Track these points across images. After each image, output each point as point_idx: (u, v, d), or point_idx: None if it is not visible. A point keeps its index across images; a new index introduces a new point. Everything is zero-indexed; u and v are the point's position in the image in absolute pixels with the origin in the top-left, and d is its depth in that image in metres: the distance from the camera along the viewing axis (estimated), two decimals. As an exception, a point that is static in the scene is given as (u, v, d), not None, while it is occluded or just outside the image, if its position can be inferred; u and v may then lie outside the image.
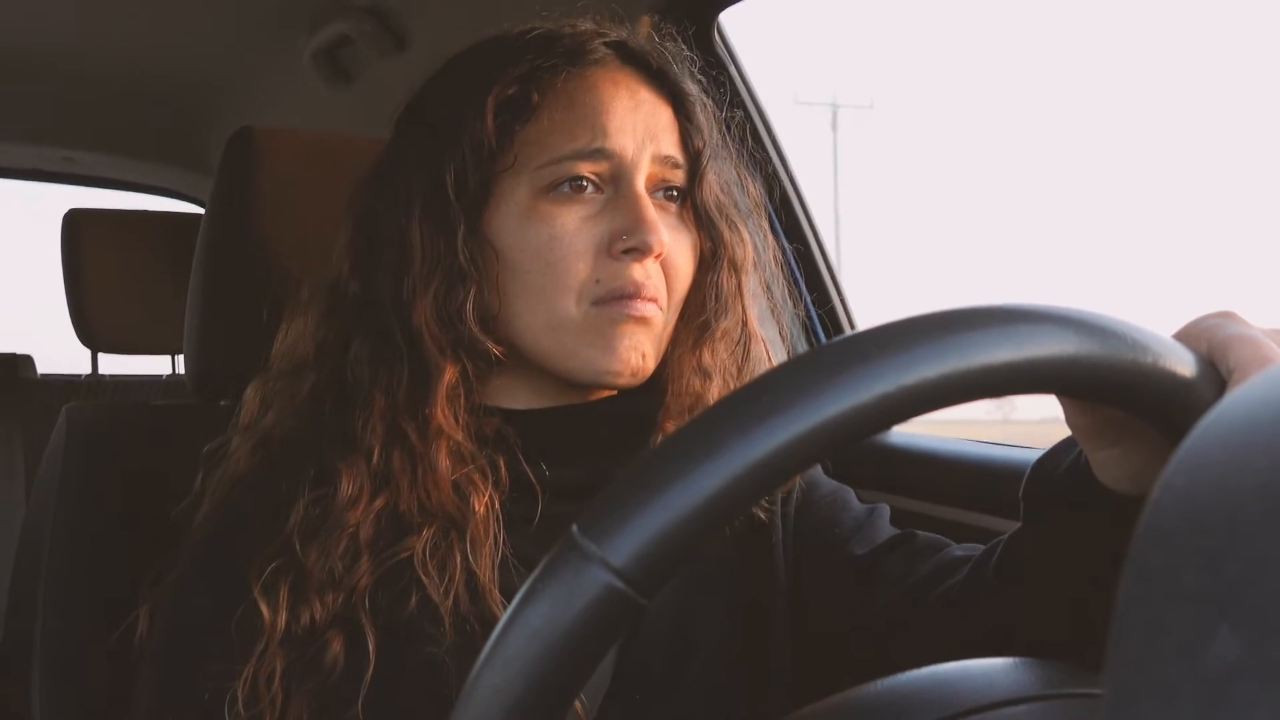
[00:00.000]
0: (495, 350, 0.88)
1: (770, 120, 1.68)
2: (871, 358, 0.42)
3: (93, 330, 2.49)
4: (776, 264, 1.06)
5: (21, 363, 2.64)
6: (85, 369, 2.67)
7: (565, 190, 0.87)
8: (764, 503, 0.96)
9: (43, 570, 1.09)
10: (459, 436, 0.86)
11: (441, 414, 0.86)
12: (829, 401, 0.42)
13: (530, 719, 0.41)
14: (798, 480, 0.99)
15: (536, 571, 0.42)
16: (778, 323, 1.10)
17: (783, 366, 0.44)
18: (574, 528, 0.42)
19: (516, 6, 0.97)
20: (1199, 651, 0.25)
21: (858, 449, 1.43)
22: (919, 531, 0.93)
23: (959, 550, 0.89)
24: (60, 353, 2.74)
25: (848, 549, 0.93)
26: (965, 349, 0.43)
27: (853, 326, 1.71)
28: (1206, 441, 0.30)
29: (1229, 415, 0.31)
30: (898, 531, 0.94)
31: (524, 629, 0.41)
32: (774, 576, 0.95)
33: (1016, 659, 0.52)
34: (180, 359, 2.61)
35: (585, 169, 0.87)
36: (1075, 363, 0.45)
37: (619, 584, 0.41)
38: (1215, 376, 0.51)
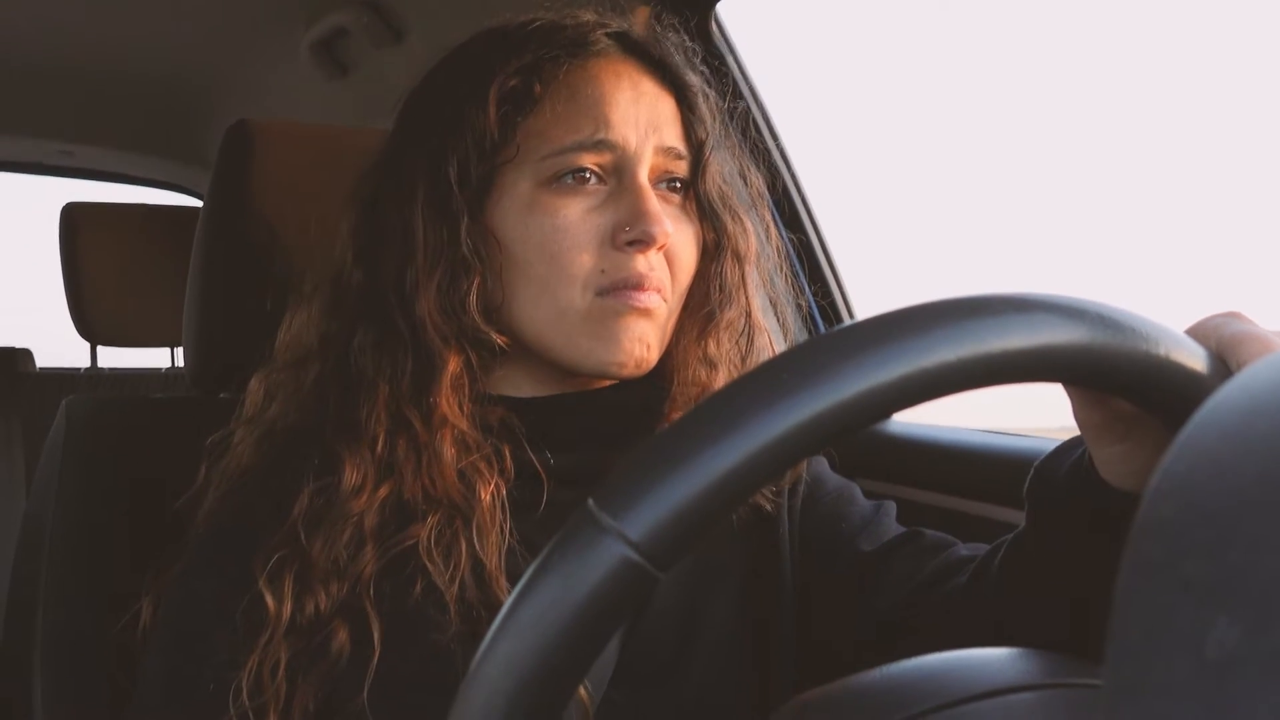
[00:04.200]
0: (499, 340, 0.88)
1: (769, 111, 1.68)
2: (891, 340, 0.43)
3: (91, 324, 2.49)
4: (779, 255, 1.06)
5: (20, 357, 2.64)
6: (84, 362, 2.67)
7: (568, 181, 0.87)
8: (770, 496, 0.96)
9: (43, 563, 1.09)
10: (463, 425, 0.86)
11: (446, 403, 0.86)
12: (848, 381, 0.42)
13: (543, 688, 0.41)
14: (804, 474, 0.99)
15: (552, 543, 0.42)
16: (779, 314, 1.10)
17: (802, 346, 0.44)
18: (590, 501, 0.42)
19: (512, -2, 0.96)
20: (1198, 640, 0.25)
21: (860, 438, 1.43)
22: (926, 530, 0.93)
23: (965, 549, 0.89)
24: (59, 346, 2.75)
25: (855, 545, 0.93)
26: (983, 334, 0.43)
27: (853, 318, 1.71)
28: (1206, 429, 0.30)
29: (1228, 403, 0.31)
30: (905, 529, 0.94)
31: (539, 599, 0.41)
32: (780, 569, 0.95)
33: (1018, 649, 0.52)
34: (179, 352, 2.62)
35: (588, 160, 0.87)
36: (1089, 352, 0.46)
37: (635, 556, 0.41)
38: (1224, 372, 0.52)
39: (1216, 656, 0.25)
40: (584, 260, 0.86)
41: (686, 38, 0.98)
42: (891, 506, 0.98)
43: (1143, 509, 0.29)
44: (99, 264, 2.44)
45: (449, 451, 0.85)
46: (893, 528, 0.95)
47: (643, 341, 0.88)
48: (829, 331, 0.45)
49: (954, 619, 0.84)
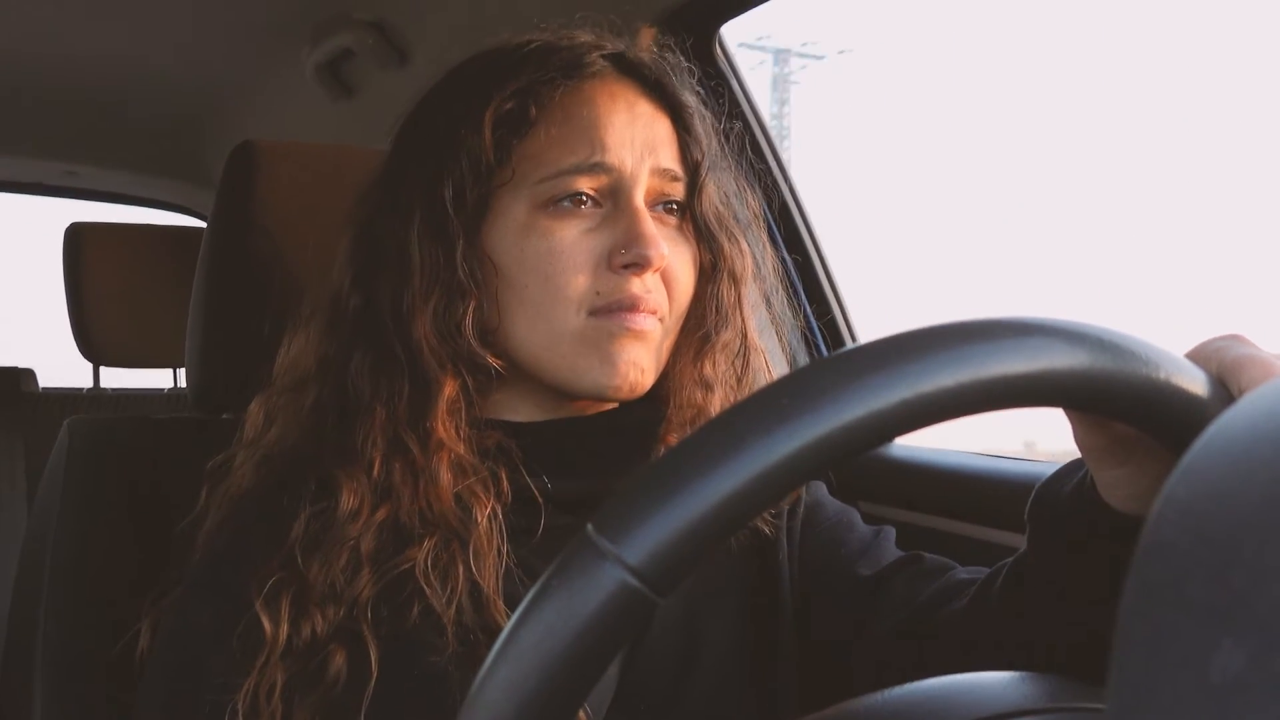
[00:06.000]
0: (495, 364, 0.88)
1: (770, 131, 1.69)
2: (890, 365, 0.43)
3: (94, 344, 2.49)
4: (776, 275, 1.06)
5: (24, 376, 2.64)
6: (87, 383, 2.67)
7: (565, 205, 0.87)
8: (769, 519, 0.96)
9: (44, 583, 1.09)
10: (460, 450, 0.86)
11: (442, 427, 0.86)
12: (847, 406, 0.42)
13: (543, 713, 0.41)
14: (803, 499, 0.99)
15: (551, 568, 0.42)
16: (778, 334, 1.10)
17: (802, 371, 0.44)
18: (589, 526, 0.42)
19: (518, 19, 0.97)
20: (1202, 664, 0.25)
21: (861, 461, 1.43)
22: (926, 554, 0.93)
23: (964, 573, 0.89)
24: (62, 366, 2.75)
25: (854, 570, 0.93)
26: (982, 359, 0.43)
27: (853, 337, 1.71)
28: (1209, 454, 0.30)
29: (1231, 428, 0.31)
30: (904, 554, 0.94)
31: (538, 624, 0.41)
32: (779, 593, 0.95)
33: (1021, 672, 0.52)
34: (182, 372, 2.62)
35: (584, 184, 0.87)
36: (1089, 377, 0.46)
37: (634, 582, 0.41)
38: (1226, 396, 0.52)
39: (1220, 680, 0.24)
40: (579, 282, 0.86)
41: (683, 58, 0.98)
42: (891, 532, 0.98)
43: (1146, 533, 0.29)
44: (102, 284, 2.44)
45: (445, 476, 0.85)
46: (892, 552, 0.95)
47: (637, 365, 0.87)
48: (828, 356, 0.45)
49: (954, 642, 0.83)
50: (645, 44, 0.98)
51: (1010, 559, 0.81)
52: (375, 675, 0.80)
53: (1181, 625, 0.26)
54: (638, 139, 0.89)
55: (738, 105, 1.64)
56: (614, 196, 0.88)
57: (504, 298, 0.88)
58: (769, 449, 0.41)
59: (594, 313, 0.86)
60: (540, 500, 0.87)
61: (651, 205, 0.90)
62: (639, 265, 0.86)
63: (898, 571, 0.92)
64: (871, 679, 0.88)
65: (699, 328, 0.93)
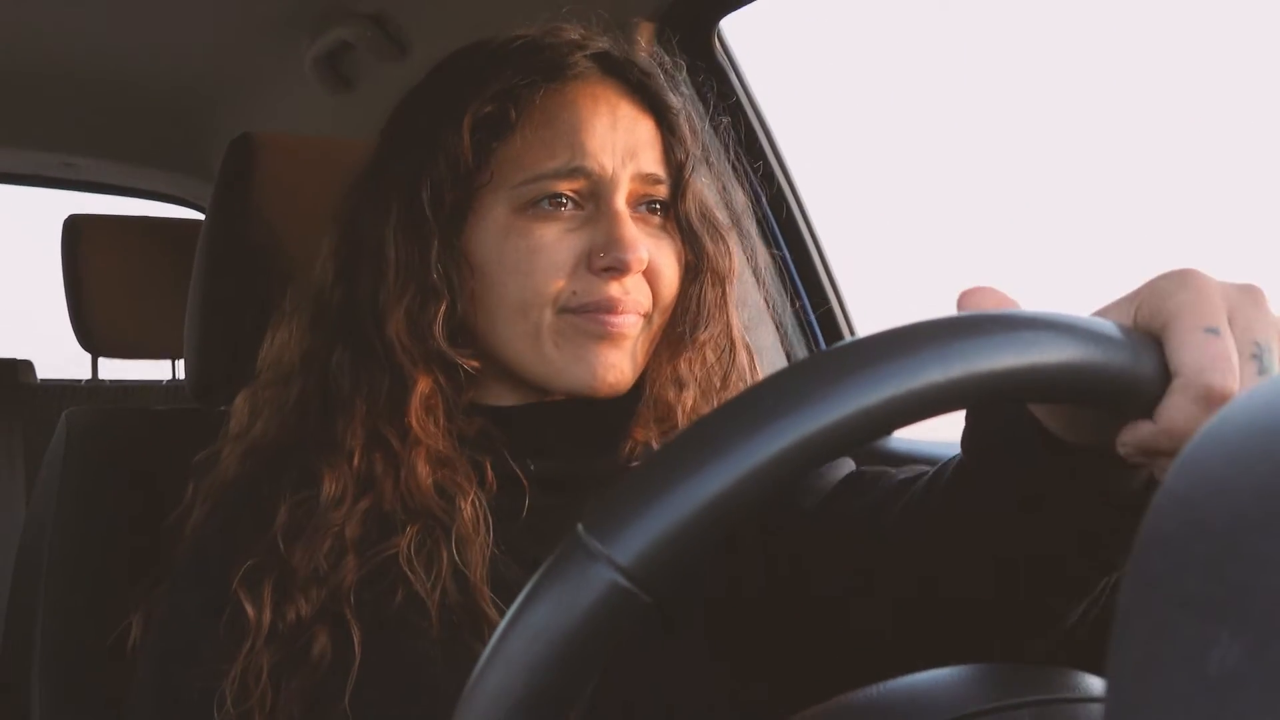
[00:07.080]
0: (467, 365, 0.88)
1: (770, 126, 1.69)
2: (878, 362, 0.43)
3: (93, 335, 2.49)
4: (775, 269, 1.06)
5: (22, 367, 2.64)
6: (86, 374, 2.67)
7: (545, 207, 0.88)
8: None
9: (43, 573, 1.09)
10: (438, 444, 0.87)
11: (417, 423, 0.86)
12: (834, 405, 0.42)
13: (535, 717, 0.41)
14: None
15: (541, 570, 0.42)
16: (776, 326, 1.10)
17: (789, 370, 0.44)
18: (579, 526, 0.42)
19: (516, 13, 0.97)
20: (1199, 657, 0.25)
21: (858, 454, 1.43)
22: (866, 468, 0.90)
23: (905, 473, 0.85)
24: (61, 358, 2.75)
25: (801, 506, 0.89)
26: (971, 354, 0.43)
27: (851, 328, 1.71)
28: (1207, 447, 0.30)
29: (1230, 421, 0.31)
30: (845, 475, 0.91)
31: (528, 628, 0.41)
32: (752, 558, 0.93)
33: (1013, 664, 0.52)
34: (180, 364, 2.62)
35: (564, 187, 0.87)
36: (1078, 369, 0.45)
37: (625, 583, 0.41)
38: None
39: (1218, 673, 0.24)
40: (558, 282, 0.86)
41: (666, 56, 0.98)
42: (843, 462, 0.94)
43: (1145, 525, 0.29)
44: (101, 275, 2.44)
45: (423, 469, 0.86)
46: (835, 480, 0.91)
47: (616, 367, 0.88)
48: (816, 354, 0.45)
49: (901, 550, 0.79)
50: (645, 39, 0.97)
51: (951, 463, 0.76)
52: (359, 658, 0.80)
53: (1179, 618, 0.26)
54: (619, 143, 0.89)
55: (738, 100, 1.64)
56: (595, 199, 0.88)
57: (483, 298, 0.88)
58: (756, 448, 0.41)
59: (570, 311, 0.87)
60: (524, 482, 0.88)
61: (634, 206, 0.90)
62: (617, 269, 0.86)
63: (840, 494, 0.88)
64: (841, 621, 0.85)
65: (677, 326, 0.93)
